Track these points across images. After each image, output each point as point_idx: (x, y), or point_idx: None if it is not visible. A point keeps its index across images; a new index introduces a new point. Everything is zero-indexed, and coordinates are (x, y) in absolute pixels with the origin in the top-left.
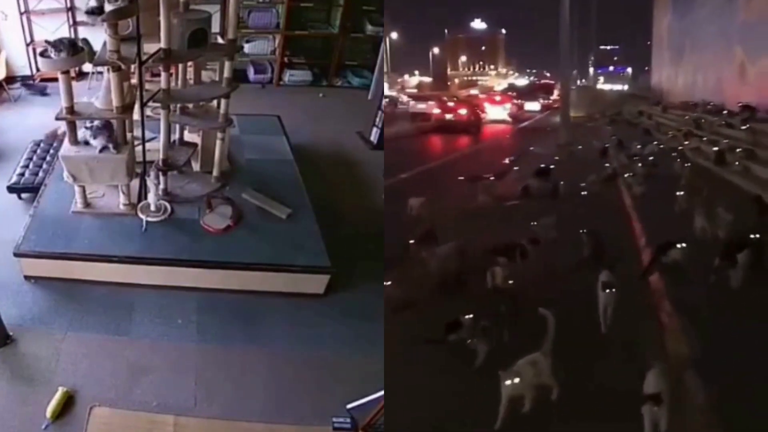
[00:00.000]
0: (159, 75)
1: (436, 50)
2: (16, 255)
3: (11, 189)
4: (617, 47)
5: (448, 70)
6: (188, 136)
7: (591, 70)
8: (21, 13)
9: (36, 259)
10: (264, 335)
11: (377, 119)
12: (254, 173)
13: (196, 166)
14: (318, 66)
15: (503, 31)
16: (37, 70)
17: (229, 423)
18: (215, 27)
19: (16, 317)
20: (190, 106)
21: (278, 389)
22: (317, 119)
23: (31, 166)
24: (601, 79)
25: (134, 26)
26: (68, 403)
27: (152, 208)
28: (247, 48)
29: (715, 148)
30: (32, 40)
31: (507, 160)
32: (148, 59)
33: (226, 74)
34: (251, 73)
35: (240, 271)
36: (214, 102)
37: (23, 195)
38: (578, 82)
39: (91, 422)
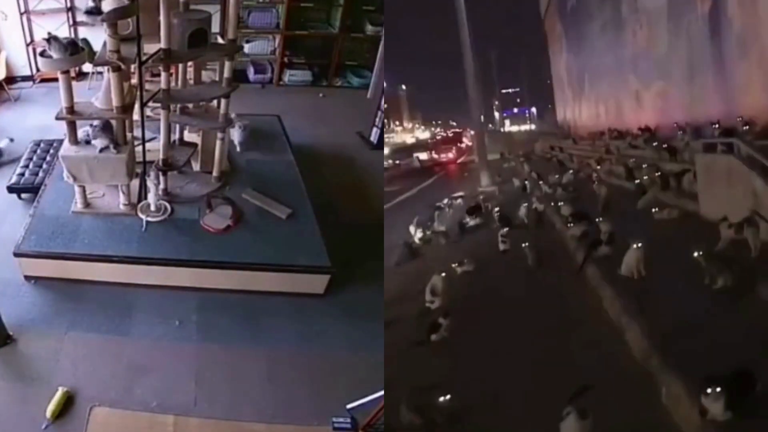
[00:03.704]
0: (159, 75)
1: (385, 82)
2: (16, 255)
3: (11, 189)
4: (518, 89)
5: None
6: (188, 136)
7: (496, 114)
8: (21, 13)
9: (36, 259)
10: (264, 335)
11: (377, 119)
12: (254, 173)
13: (196, 166)
14: (318, 66)
15: (403, 87)
16: (37, 70)
17: (229, 423)
18: (215, 27)
19: (16, 317)
20: (190, 106)
21: (278, 389)
22: (317, 119)
23: (31, 166)
24: (507, 121)
25: (134, 26)
26: (68, 403)
27: (152, 208)
28: (247, 48)
29: (625, 167)
30: (32, 40)
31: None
32: (148, 59)
33: (226, 74)
34: (251, 73)
35: (240, 271)
36: (214, 102)
37: (23, 195)
38: (487, 126)
39: (91, 422)
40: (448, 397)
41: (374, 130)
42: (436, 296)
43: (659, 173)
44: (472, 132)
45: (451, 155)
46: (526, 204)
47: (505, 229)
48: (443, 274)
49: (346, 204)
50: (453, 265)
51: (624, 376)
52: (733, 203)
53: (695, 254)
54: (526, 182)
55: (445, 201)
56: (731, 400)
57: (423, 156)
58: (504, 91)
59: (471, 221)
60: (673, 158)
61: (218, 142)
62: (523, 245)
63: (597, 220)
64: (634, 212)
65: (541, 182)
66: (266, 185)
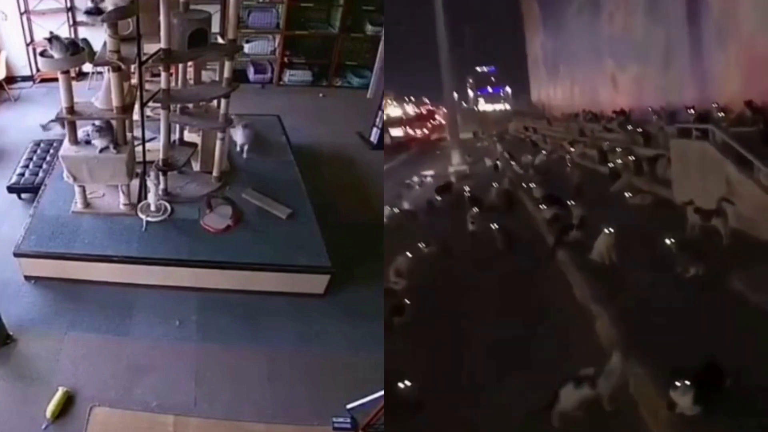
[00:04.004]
0: (159, 75)
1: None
2: (16, 255)
3: (11, 189)
4: (494, 68)
5: None
6: (188, 136)
7: (470, 92)
8: (21, 13)
9: (36, 259)
10: (264, 335)
11: (377, 119)
12: (254, 173)
13: (196, 166)
14: (318, 66)
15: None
16: (37, 70)
17: (229, 423)
18: (215, 27)
19: (16, 317)
20: (190, 106)
21: (278, 389)
22: (317, 119)
23: (31, 166)
24: (481, 100)
25: (134, 26)
26: (68, 403)
27: (152, 208)
28: (247, 48)
29: (599, 150)
30: (32, 40)
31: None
32: (148, 59)
33: (226, 74)
34: (251, 73)
35: (240, 271)
36: (214, 102)
37: (23, 195)
38: (461, 105)
39: (91, 422)
40: (409, 383)
41: (374, 130)
42: (400, 277)
43: (633, 158)
44: (445, 110)
45: (423, 132)
46: (497, 185)
47: (475, 210)
48: (409, 255)
49: (346, 204)
50: (420, 245)
51: (591, 365)
52: (706, 190)
53: (667, 241)
54: (498, 162)
55: (415, 179)
56: (700, 395)
57: (396, 132)
58: (479, 69)
59: (440, 200)
60: (647, 143)
61: (218, 142)
62: (492, 227)
63: (569, 203)
64: (606, 197)
65: (513, 163)
66: (266, 185)
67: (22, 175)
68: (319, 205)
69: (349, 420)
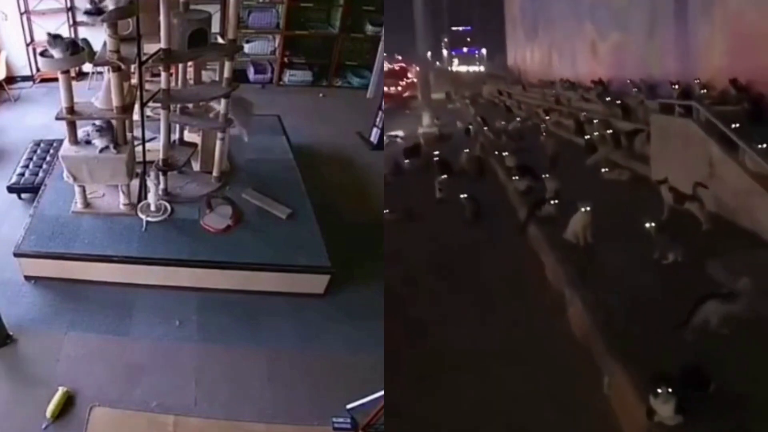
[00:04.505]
0: (159, 75)
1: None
2: (16, 255)
3: (11, 189)
4: (469, 28)
5: None
6: (188, 136)
7: (445, 52)
8: (21, 13)
9: (36, 259)
10: (264, 335)
11: (377, 119)
12: (254, 173)
13: (196, 166)
14: (318, 66)
15: None
16: (37, 70)
17: (229, 423)
18: (215, 27)
19: (16, 317)
20: (190, 106)
21: (278, 389)
22: (317, 119)
23: (31, 166)
24: (456, 60)
25: (134, 26)
26: (68, 403)
27: (152, 208)
28: (247, 48)
29: (575, 120)
30: (32, 40)
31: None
32: (148, 59)
33: (226, 74)
34: (251, 73)
35: (240, 271)
36: (214, 102)
37: (23, 195)
38: (434, 64)
39: (91, 422)
40: None
41: (374, 130)
42: None
43: (611, 131)
44: (417, 68)
45: (394, 90)
46: (468, 150)
47: (443, 177)
48: None
49: (346, 204)
50: (385, 212)
51: (561, 359)
52: (687, 170)
53: (646, 225)
54: (470, 126)
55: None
56: (682, 403)
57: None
58: (454, 28)
59: (408, 163)
60: (626, 116)
61: (218, 142)
62: (461, 197)
63: (543, 176)
64: (582, 170)
65: (486, 128)
66: (266, 185)
67: (22, 175)
68: (319, 205)
69: (349, 420)
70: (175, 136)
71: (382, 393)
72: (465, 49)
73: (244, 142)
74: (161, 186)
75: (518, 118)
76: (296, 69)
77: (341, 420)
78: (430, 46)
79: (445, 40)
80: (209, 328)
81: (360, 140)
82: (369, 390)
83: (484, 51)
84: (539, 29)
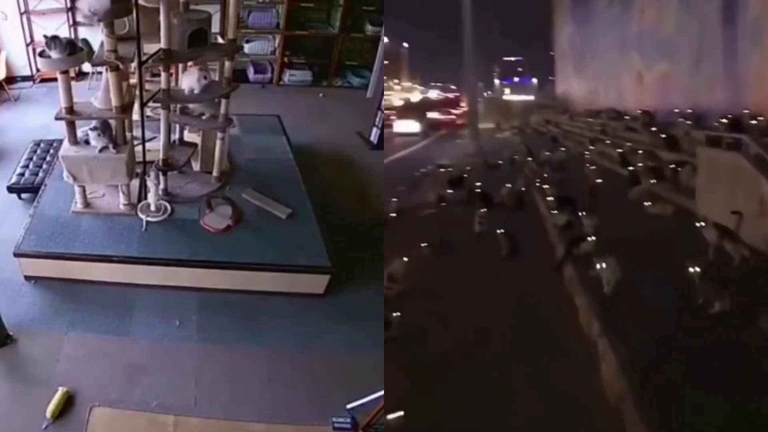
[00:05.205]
0: (159, 75)
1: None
2: (16, 255)
3: (11, 189)
4: (521, 58)
5: None
6: (188, 136)
7: (497, 81)
8: (21, 13)
9: (36, 259)
10: (264, 335)
11: (377, 119)
12: (254, 173)
13: (196, 166)
14: (318, 66)
15: (405, 44)
16: (37, 70)
17: (229, 423)
18: (215, 27)
19: (16, 317)
20: (190, 106)
21: (278, 389)
22: (317, 119)
23: (31, 166)
24: (507, 90)
25: (131, 26)
26: (68, 403)
27: (152, 208)
28: (247, 48)
29: (619, 151)
30: (32, 40)
31: (418, 173)
32: (148, 59)
33: (226, 74)
34: (251, 73)
35: (240, 271)
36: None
37: (23, 195)
38: (484, 94)
39: (91, 422)
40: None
41: (374, 130)
42: (394, 283)
43: (655, 162)
44: (467, 98)
45: (446, 119)
46: (509, 185)
47: (483, 210)
48: (405, 260)
49: (346, 204)
50: (423, 245)
51: (591, 424)
52: (735, 207)
53: (690, 270)
54: (516, 156)
55: (430, 167)
56: None
57: (433, 115)
58: (506, 59)
59: (451, 194)
60: (671, 147)
61: (218, 142)
62: (498, 232)
63: (582, 213)
64: (624, 203)
65: (530, 159)
66: (266, 185)
67: (22, 175)
68: (319, 205)
69: (349, 420)
70: (175, 136)
71: (382, 393)
72: (516, 79)
73: (244, 142)
74: (161, 186)
75: (563, 148)
76: (296, 69)
77: (341, 420)
78: (481, 75)
79: (497, 69)
80: (209, 328)
81: (360, 140)
82: (369, 390)
83: (534, 80)
84: (587, 59)
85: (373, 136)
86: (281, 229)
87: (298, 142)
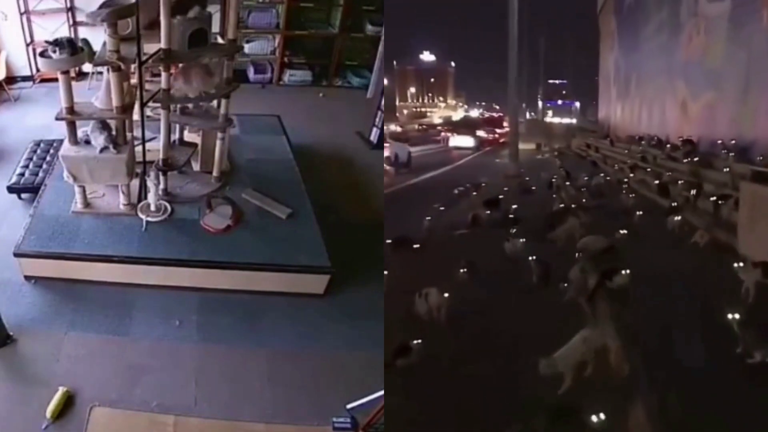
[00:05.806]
0: (159, 75)
1: (385, 81)
2: (16, 255)
3: (11, 189)
4: (565, 81)
5: (397, 101)
6: (188, 136)
7: (540, 103)
8: (21, 13)
9: (36, 259)
10: (264, 335)
11: (377, 119)
12: (254, 173)
13: (196, 166)
14: (318, 66)
15: (452, 63)
16: (37, 70)
17: (229, 423)
18: (215, 27)
19: (16, 317)
20: (190, 106)
21: (278, 389)
22: (317, 119)
23: (31, 166)
24: (550, 112)
25: (134, 26)
26: (68, 403)
27: (152, 208)
28: (247, 48)
29: (658, 181)
30: (32, 40)
31: (456, 191)
32: (148, 59)
33: (226, 74)
34: (251, 73)
35: (240, 271)
36: (214, 102)
37: (23, 195)
38: (527, 114)
39: (91, 422)
40: None
41: (374, 130)
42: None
43: (695, 192)
44: (509, 118)
45: (489, 137)
46: (547, 209)
47: (518, 235)
48: (447, 295)
49: (346, 204)
50: (461, 271)
51: None
52: None
53: (729, 316)
54: (554, 179)
55: (468, 185)
56: None
57: (481, 133)
58: (550, 81)
59: (487, 215)
60: (713, 179)
61: (218, 142)
62: (530, 258)
63: (619, 238)
64: (662, 234)
65: (568, 183)
66: (266, 185)
67: (22, 175)
68: (319, 205)
69: (349, 420)
70: (175, 136)
71: (382, 393)
72: (559, 101)
73: (244, 142)
74: (161, 186)
75: (602, 174)
76: (296, 69)
77: (341, 420)
78: (524, 96)
79: (541, 91)
80: (209, 328)
81: (360, 140)
82: (369, 390)
83: (577, 104)
84: (631, 85)
85: (373, 136)
86: (281, 229)
87: (298, 142)
